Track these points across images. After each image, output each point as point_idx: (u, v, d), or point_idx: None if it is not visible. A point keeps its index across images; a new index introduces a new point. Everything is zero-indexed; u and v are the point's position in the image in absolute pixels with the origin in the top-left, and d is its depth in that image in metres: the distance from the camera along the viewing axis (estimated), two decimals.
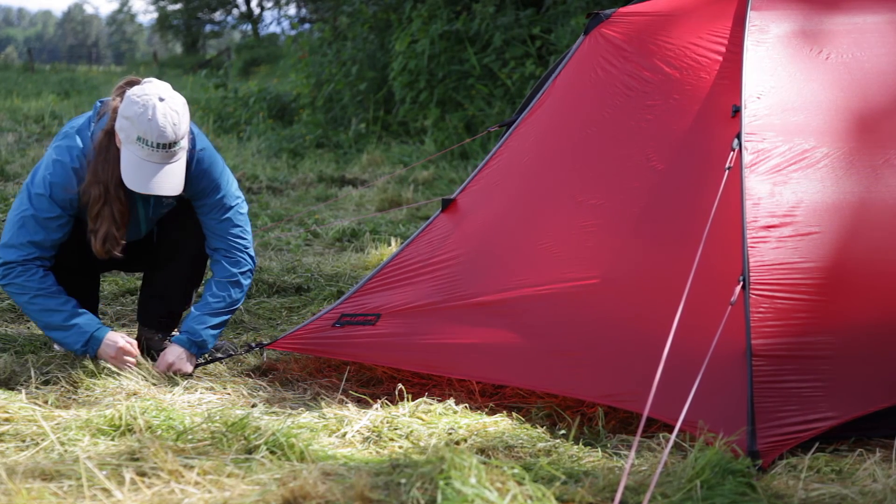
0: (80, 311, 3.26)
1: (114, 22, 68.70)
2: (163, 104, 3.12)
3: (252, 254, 3.51)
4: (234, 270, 3.45)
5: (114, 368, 3.24)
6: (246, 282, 3.49)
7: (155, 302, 3.54)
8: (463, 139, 9.23)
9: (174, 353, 3.35)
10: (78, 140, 3.25)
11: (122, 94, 3.23)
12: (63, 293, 3.25)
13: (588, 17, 3.65)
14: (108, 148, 3.21)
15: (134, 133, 3.11)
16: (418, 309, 3.31)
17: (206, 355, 3.48)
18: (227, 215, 3.44)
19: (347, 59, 11.51)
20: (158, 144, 3.11)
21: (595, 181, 3.26)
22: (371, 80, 11.05)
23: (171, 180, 3.16)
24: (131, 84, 3.27)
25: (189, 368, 3.35)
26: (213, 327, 3.40)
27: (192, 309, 3.46)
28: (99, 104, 3.35)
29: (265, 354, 3.61)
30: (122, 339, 3.26)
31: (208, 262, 3.61)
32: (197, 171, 3.35)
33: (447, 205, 3.56)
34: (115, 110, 3.21)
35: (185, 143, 3.19)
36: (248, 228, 3.51)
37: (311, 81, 12.05)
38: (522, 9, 10.06)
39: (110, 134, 3.21)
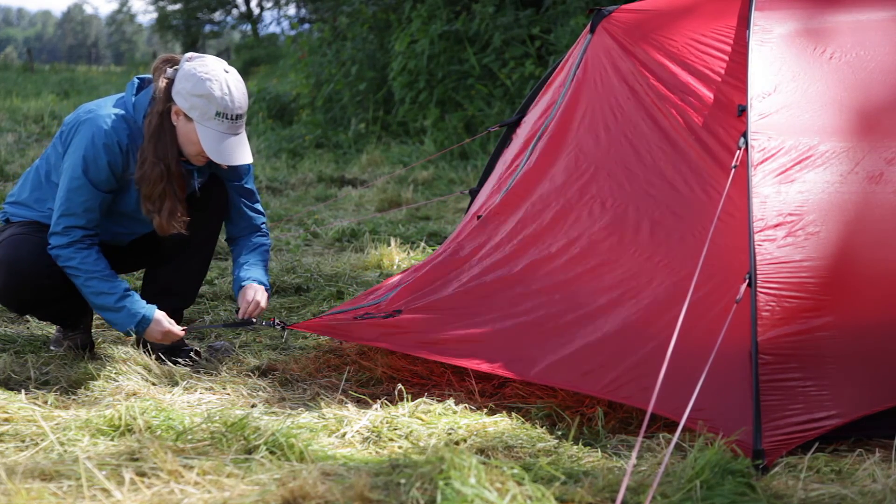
0: (127, 293, 3.30)
1: (113, 22, 68.63)
2: (230, 76, 3.27)
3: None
4: (269, 243, 3.72)
5: (119, 371, 3.28)
6: None
7: (163, 298, 3.54)
8: (462, 139, 9.23)
9: (260, 292, 3.50)
10: (114, 118, 3.27)
11: (164, 73, 3.29)
12: (115, 276, 3.31)
13: (590, 14, 3.65)
14: (162, 128, 3.27)
15: (212, 110, 3.21)
16: (436, 304, 3.34)
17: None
18: (256, 198, 3.67)
19: (347, 60, 11.51)
20: (236, 116, 3.25)
21: (610, 184, 3.27)
22: (371, 81, 11.05)
23: (246, 149, 3.33)
24: (170, 62, 3.33)
25: (266, 305, 3.53)
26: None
27: (246, 264, 3.57)
28: (137, 80, 3.39)
29: (285, 331, 3.77)
30: (166, 322, 3.34)
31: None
32: None
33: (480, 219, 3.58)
34: (165, 91, 3.26)
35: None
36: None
37: (311, 81, 12.05)
38: (522, 9, 10.06)
39: (164, 114, 3.26)
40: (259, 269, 3.57)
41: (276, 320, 3.62)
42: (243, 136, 3.31)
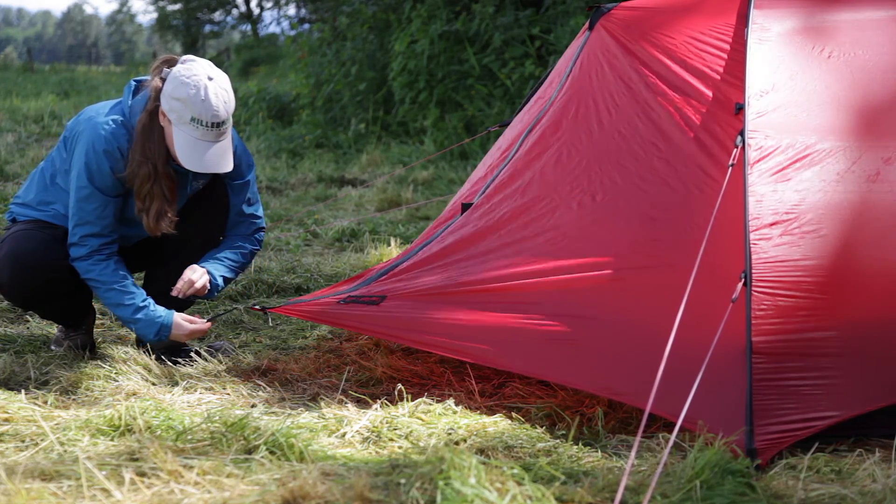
0: (143, 304, 3.32)
1: (113, 22, 68.58)
2: (213, 83, 3.22)
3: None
4: (253, 248, 3.63)
5: (119, 371, 3.29)
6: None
7: (163, 299, 3.54)
8: (462, 139, 9.23)
9: (199, 273, 3.42)
10: (112, 125, 3.28)
11: (160, 73, 3.29)
12: (132, 286, 3.32)
13: (589, 11, 3.65)
14: (151, 127, 3.26)
15: (187, 114, 3.19)
16: (423, 292, 3.34)
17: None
18: (255, 200, 3.60)
19: (347, 60, 11.52)
20: (212, 124, 3.20)
21: (600, 177, 3.27)
22: (370, 81, 11.05)
23: (225, 157, 3.28)
24: (168, 63, 3.33)
25: (205, 292, 3.46)
26: (225, 279, 3.52)
27: (212, 258, 3.52)
28: (134, 83, 3.39)
29: (272, 318, 3.77)
30: (187, 324, 3.36)
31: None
32: (238, 147, 3.46)
33: (466, 209, 3.56)
34: (157, 90, 3.26)
35: (230, 121, 3.30)
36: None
37: (311, 82, 12.06)
38: (522, 9, 10.07)
39: (153, 114, 3.26)
40: (220, 263, 3.50)
41: (258, 305, 3.64)
42: (224, 144, 3.26)
